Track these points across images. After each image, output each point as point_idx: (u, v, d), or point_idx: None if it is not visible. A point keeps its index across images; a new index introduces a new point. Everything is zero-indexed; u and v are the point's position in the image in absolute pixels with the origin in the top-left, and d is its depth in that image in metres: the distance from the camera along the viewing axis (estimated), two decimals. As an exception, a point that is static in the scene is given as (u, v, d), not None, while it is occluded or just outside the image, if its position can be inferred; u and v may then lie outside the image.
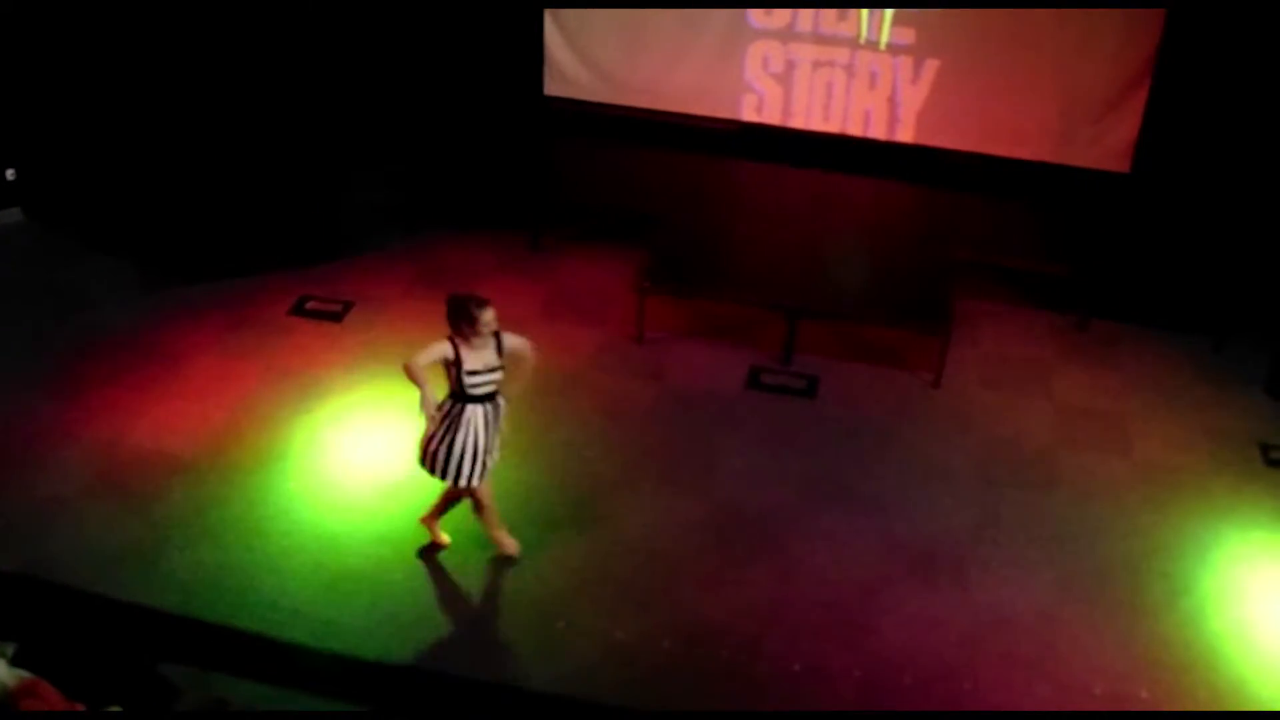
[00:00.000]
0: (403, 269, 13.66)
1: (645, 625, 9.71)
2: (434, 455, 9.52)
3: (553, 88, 14.14)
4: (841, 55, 13.44)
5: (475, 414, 9.44)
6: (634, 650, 9.50)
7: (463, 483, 9.60)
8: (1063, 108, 13.19)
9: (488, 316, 9.20)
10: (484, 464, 9.59)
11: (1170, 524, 10.99)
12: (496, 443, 9.68)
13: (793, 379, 12.46)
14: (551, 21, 13.79)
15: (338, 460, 11.15)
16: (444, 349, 9.27)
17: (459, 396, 9.39)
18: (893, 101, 13.53)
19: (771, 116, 13.85)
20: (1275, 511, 11.21)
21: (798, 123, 13.81)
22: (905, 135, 13.65)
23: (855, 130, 13.74)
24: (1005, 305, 13.54)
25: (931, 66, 13.32)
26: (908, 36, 13.24)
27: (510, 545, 10.23)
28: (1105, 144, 13.20)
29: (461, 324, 9.23)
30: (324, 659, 9.42)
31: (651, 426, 11.75)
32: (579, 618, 9.75)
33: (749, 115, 13.90)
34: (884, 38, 13.24)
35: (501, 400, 9.60)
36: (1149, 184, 13.03)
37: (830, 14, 13.29)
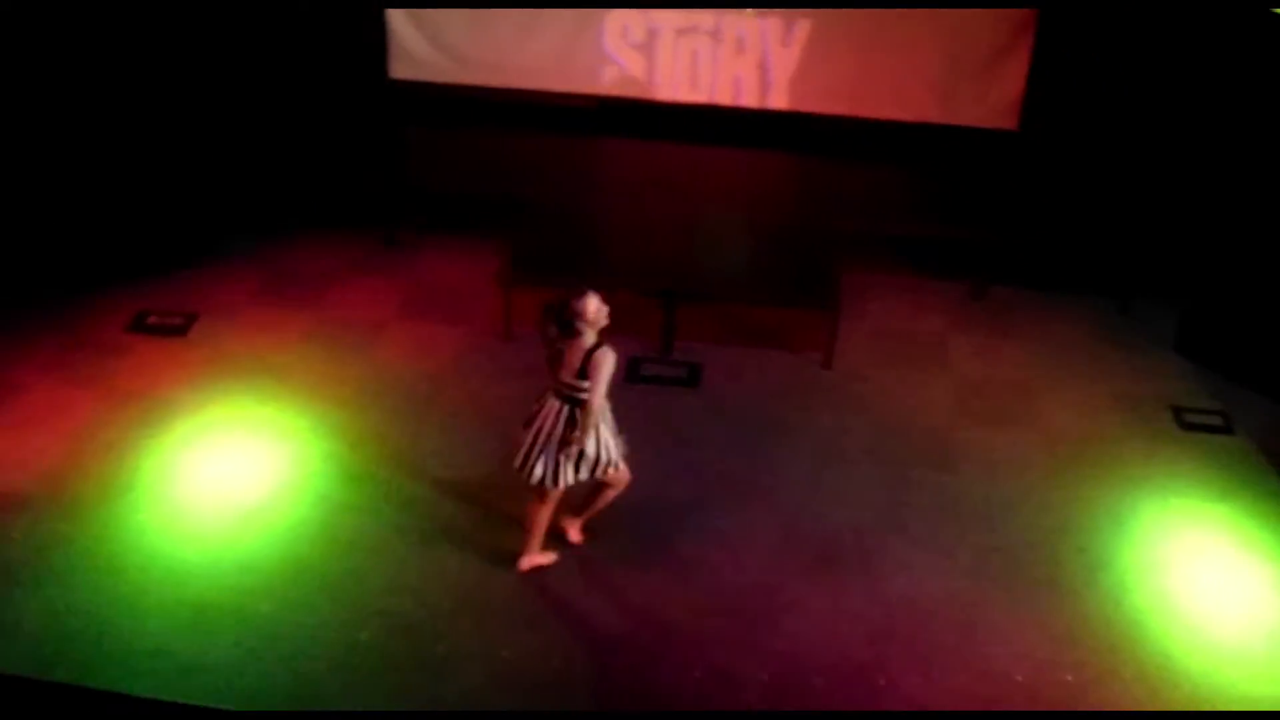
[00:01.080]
0: (249, 275, 13.22)
1: (534, 642, 9.28)
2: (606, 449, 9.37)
3: (399, 70, 13.76)
4: (706, 20, 13.20)
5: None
6: (522, 669, 9.04)
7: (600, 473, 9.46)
8: (944, 64, 13.09)
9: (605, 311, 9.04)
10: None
11: (1083, 496, 10.84)
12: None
13: (674, 368, 12.19)
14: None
15: (191, 486, 10.59)
16: (612, 361, 9.02)
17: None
18: (763, 67, 13.31)
19: (635, 89, 13.59)
20: (1192, 476, 11.13)
21: (663, 95, 13.57)
22: (779, 102, 13.44)
23: (725, 99, 13.51)
24: (896, 277, 13.43)
25: (803, 28, 13.13)
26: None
27: (574, 533, 10.13)
28: (990, 101, 13.13)
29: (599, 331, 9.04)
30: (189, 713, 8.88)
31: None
32: (461, 639, 9.30)
33: (611, 89, 13.62)
34: None
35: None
36: (1039, 141, 12.99)
37: (692, -24, 12.97)
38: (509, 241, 12.70)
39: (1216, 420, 11.85)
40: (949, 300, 13.24)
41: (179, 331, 12.43)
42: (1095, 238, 13.08)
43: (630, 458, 9.63)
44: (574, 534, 10.11)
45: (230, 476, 10.68)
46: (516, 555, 9.81)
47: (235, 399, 11.47)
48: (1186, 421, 11.78)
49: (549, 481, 9.33)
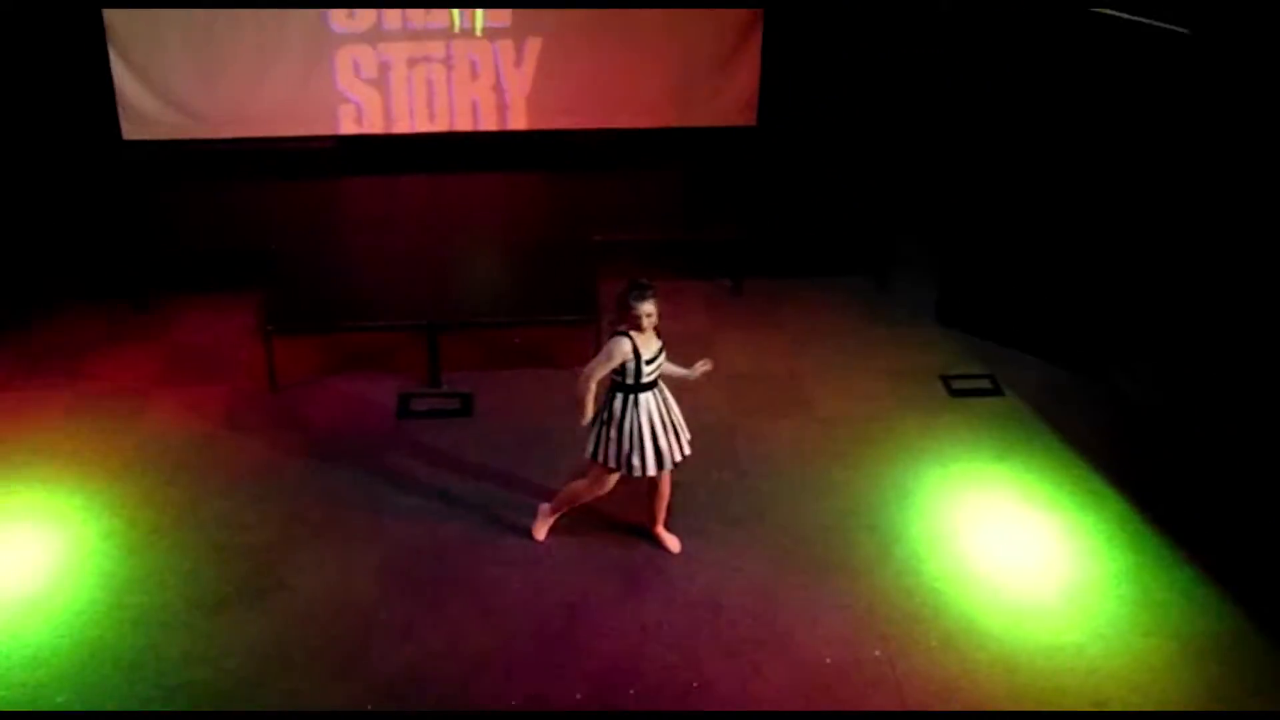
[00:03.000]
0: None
1: (344, 692, 9.21)
2: (607, 446, 9.77)
3: (131, 131, 13.58)
4: (437, 49, 13.26)
5: (648, 401, 9.66)
6: (332, 723, 9.00)
7: (637, 472, 9.78)
8: (677, 69, 13.30)
9: (647, 309, 9.44)
10: (658, 451, 9.74)
11: (866, 475, 11.12)
12: (675, 430, 9.87)
13: (445, 400, 12.17)
14: (119, 59, 13.15)
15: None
16: (624, 349, 9.45)
17: (634, 387, 9.61)
18: (499, 89, 13.43)
19: (373, 125, 13.59)
20: (968, 441, 11.52)
21: (402, 127, 13.58)
22: (518, 122, 13.56)
23: (465, 125, 13.58)
24: (655, 281, 13.22)
25: (534, 46, 13.27)
26: (503, 18, 13.11)
27: (672, 543, 10.38)
28: (726, 98, 13.34)
29: (627, 318, 9.45)
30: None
31: (304, 480, 11.26)
32: (268, 701, 9.18)
33: (349, 127, 13.62)
34: (479, 24, 12.94)
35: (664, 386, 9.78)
36: (778, 132, 13.21)
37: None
38: (264, 293, 12.60)
39: (985, 384, 12.26)
40: (709, 299, 13.38)
41: (-70, 424, 11.91)
42: (845, 219, 13.33)
43: (404, 497, 9.95)
44: (542, 534, 10.53)
45: (6, 568, 10.35)
46: (314, 607, 9.85)
47: (1, 486, 11.14)
48: (956, 389, 12.16)
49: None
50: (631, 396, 9.65)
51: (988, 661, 9.31)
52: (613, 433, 9.73)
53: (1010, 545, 10.40)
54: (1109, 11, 11.14)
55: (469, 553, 10.41)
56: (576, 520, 10.59)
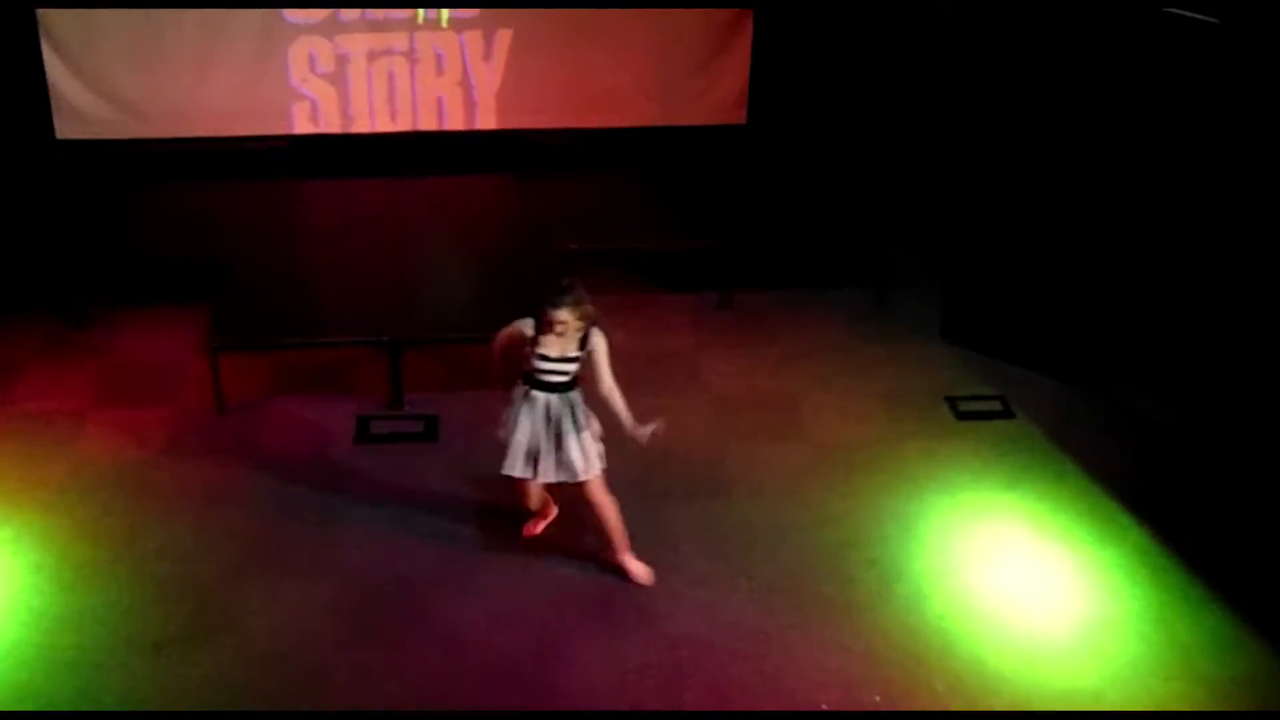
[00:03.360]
0: (-89, 378, 12.47)
1: None
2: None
3: (66, 129, 13.26)
4: (400, 41, 13.04)
5: (537, 401, 9.57)
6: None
7: (504, 470, 9.74)
8: (659, 64, 13.17)
9: (560, 316, 9.27)
10: (535, 460, 9.67)
11: (865, 505, 10.80)
12: (571, 442, 9.66)
13: (408, 423, 11.85)
14: (51, 50, 12.86)
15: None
16: (523, 327, 9.48)
17: (530, 381, 9.58)
18: (466, 85, 13.24)
19: (330, 124, 13.40)
20: (977, 468, 11.23)
21: (361, 126, 13.39)
22: (487, 121, 13.38)
23: (430, 124, 13.38)
24: (635, 294, 13.32)
25: (504, 38, 13.04)
26: (471, 9, 12.87)
27: (641, 573, 10.10)
28: (714, 96, 13.32)
29: (544, 310, 9.34)
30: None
31: (253, 510, 10.88)
32: None
33: (303, 126, 13.39)
34: (444, 14, 12.79)
35: (577, 398, 9.65)
36: (769, 133, 13.11)
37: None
38: (210, 306, 12.24)
39: (994, 406, 11.98)
40: (695, 313, 13.19)
41: None
42: (842, 227, 13.11)
43: (361, 528, 9.84)
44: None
45: None
46: (263, 648, 9.50)
47: None
48: (963, 411, 11.88)
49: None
50: (525, 390, 9.61)
51: (998, 707, 9.02)
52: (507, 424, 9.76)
53: (1023, 581, 10.06)
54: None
55: (430, 587, 10.13)
56: (546, 549, 10.42)
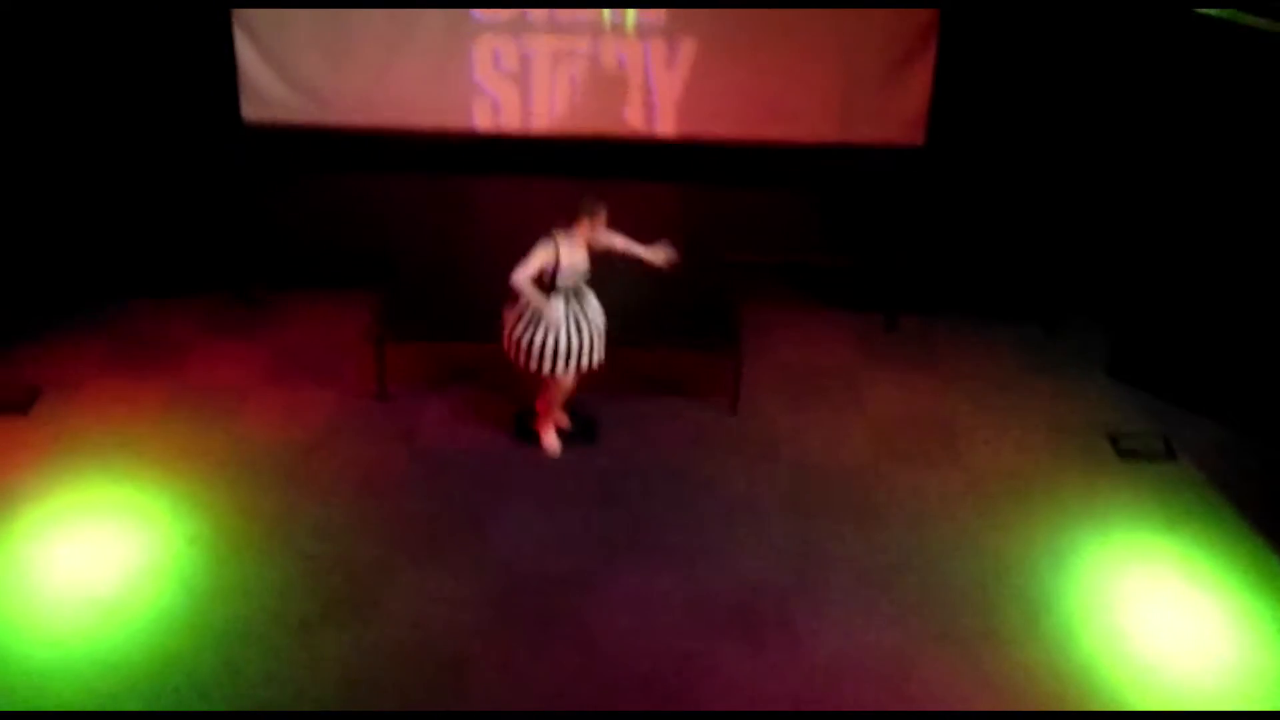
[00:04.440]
0: (94, 346, 12.75)
1: None
2: (518, 346, 10.95)
3: (252, 112, 13.31)
4: (583, 44, 12.97)
5: (558, 305, 10.79)
6: (413, 770, 8.91)
7: (545, 372, 11.00)
8: (840, 79, 12.95)
9: (600, 214, 10.75)
10: (568, 356, 10.94)
11: (1018, 537, 10.74)
12: (589, 336, 11.03)
13: (568, 424, 11.87)
14: (243, 34, 12.95)
15: (42, 580, 10.18)
16: (548, 251, 10.59)
17: (549, 290, 10.72)
18: (647, 91, 13.13)
19: (510, 122, 13.33)
20: (1134, 508, 11.09)
21: (541, 126, 13.33)
22: (665, 128, 13.27)
23: (608, 128, 13.31)
24: (801, 311, 13.35)
25: (688, 47, 12.93)
26: (658, 16, 12.83)
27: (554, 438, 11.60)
28: (893, 114, 13.01)
29: (582, 217, 10.70)
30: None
31: (408, 497, 11.09)
32: None
33: (483, 123, 13.34)
34: (630, 19, 12.77)
35: (589, 292, 11.07)
36: (948, 156, 12.88)
37: (567, -6, 12.86)
38: (380, 294, 12.43)
39: (1157, 446, 11.81)
40: (860, 333, 13.12)
41: (20, 409, 11.94)
42: (1014, 257, 13.03)
43: (514, 525, 10.26)
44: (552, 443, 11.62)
45: (85, 567, 10.29)
46: (405, 636, 9.67)
47: (86, 480, 11.07)
48: (1125, 449, 11.73)
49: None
50: (549, 297, 10.72)
51: (1140, 757, 8.94)
52: (529, 335, 10.86)
53: (1173, 628, 9.94)
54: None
55: (577, 590, 10.23)
56: (694, 566, 10.42)
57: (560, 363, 10.90)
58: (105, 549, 10.42)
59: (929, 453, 11.65)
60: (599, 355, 11.12)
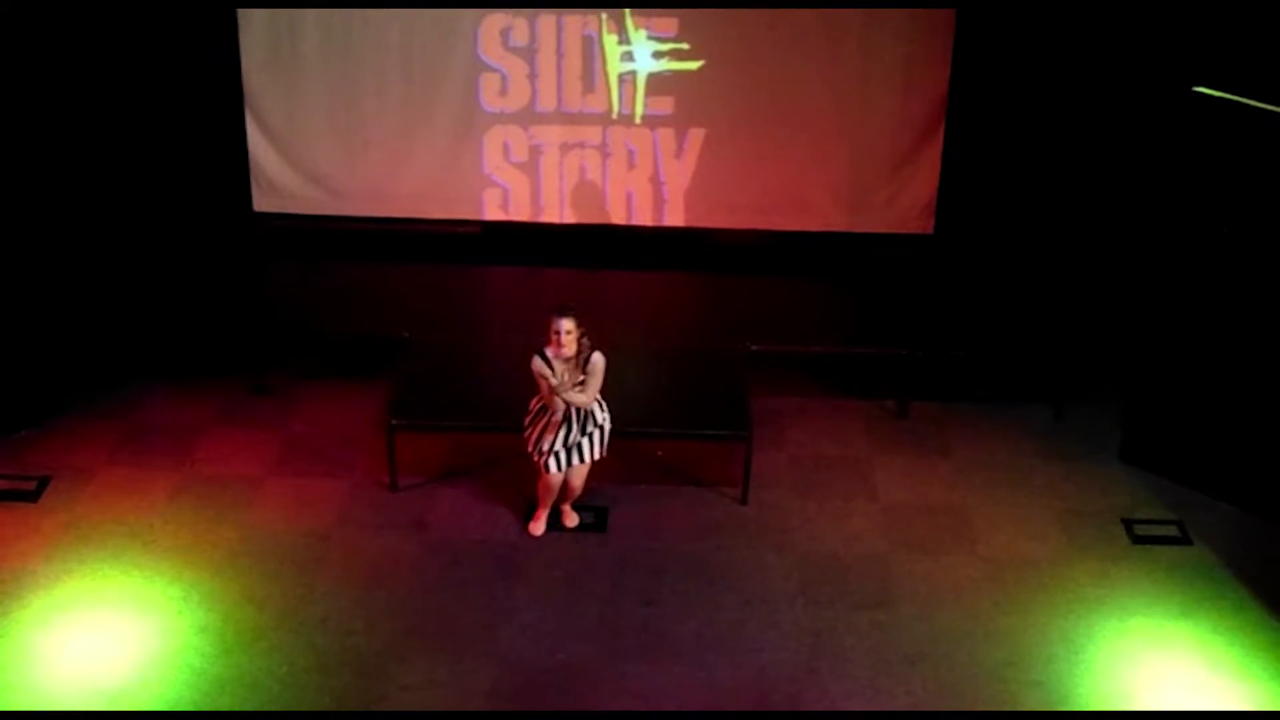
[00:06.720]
0: (105, 432, 12.68)
1: None
2: (525, 432, 11.16)
3: (263, 202, 13.47)
4: (593, 134, 13.09)
5: (560, 409, 10.81)
6: None
7: (538, 464, 11.12)
8: (850, 169, 13.07)
9: (564, 325, 10.47)
10: (555, 455, 11.03)
11: (1034, 625, 10.61)
12: (585, 442, 11.12)
13: (579, 513, 11.78)
14: (255, 125, 13.05)
15: (50, 669, 10.09)
16: (538, 367, 10.64)
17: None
18: (656, 181, 13.24)
19: (520, 212, 13.45)
20: (1151, 593, 10.96)
21: (551, 216, 13.43)
22: (675, 218, 13.35)
23: (618, 218, 13.41)
24: (811, 398, 13.22)
25: (696, 137, 13.06)
26: (665, 106, 12.96)
27: (569, 518, 11.68)
28: (902, 204, 13.12)
29: (549, 320, 10.53)
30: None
31: (419, 588, 11.01)
32: None
33: (493, 213, 13.47)
34: (639, 109, 12.91)
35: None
36: (955, 244, 12.94)
37: (575, 88, 12.90)
38: (391, 383, 12.40)
39: (1172, 531, 11.69)
40: (871, 421, 13.01)
41: (30, 497, 11.86)
42: (1025, 342, 12.96)
43: (525, 616, 10.05)
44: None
45: (93, 656, 10.19)
46: None
47: (95, 569, 10.98)
48: (1139, 534, 11.61)
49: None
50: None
51: None
52: (531, 428, 11.05)
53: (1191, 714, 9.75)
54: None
55: (587, 682, 10.10)
56: (705, 656, 10.30)
57: (551, 460, 10.98)
58: (113, 638, 10.33)
59: (942, 540, 11.54)
60: (600, 453, 11.22)
